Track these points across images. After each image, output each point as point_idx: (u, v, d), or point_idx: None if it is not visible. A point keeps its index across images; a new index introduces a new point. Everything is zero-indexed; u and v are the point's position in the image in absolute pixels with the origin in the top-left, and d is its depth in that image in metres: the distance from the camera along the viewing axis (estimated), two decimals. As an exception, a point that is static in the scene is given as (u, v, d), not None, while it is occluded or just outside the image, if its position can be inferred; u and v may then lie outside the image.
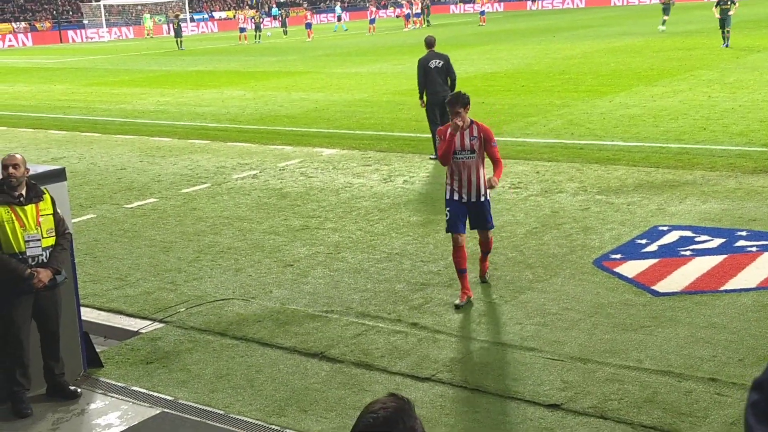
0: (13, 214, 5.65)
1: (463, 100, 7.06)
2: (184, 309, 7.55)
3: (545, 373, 5.94)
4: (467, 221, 7.31)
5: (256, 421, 5.51)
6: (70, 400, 5.91)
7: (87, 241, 9.67)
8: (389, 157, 13.77)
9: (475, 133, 7.13)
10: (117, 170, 13.90)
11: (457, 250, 7.19)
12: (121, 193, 12.28)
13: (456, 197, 7.21)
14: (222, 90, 24.09)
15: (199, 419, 5.59)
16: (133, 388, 6.10)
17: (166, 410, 5.73)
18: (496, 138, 7.30)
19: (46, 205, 5.82)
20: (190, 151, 15.32)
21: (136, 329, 7.24)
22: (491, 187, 7.23)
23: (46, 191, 5.89)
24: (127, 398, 5.96)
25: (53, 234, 5.83)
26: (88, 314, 7.03)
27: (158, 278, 8.42)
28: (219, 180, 12.76)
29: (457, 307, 7.16)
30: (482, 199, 7.23)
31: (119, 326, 7.37)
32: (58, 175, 6.29)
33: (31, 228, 5.70)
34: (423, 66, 13.00)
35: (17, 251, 5.64)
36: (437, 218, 9.82)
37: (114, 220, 10.75)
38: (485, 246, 7.62)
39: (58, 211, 5.93)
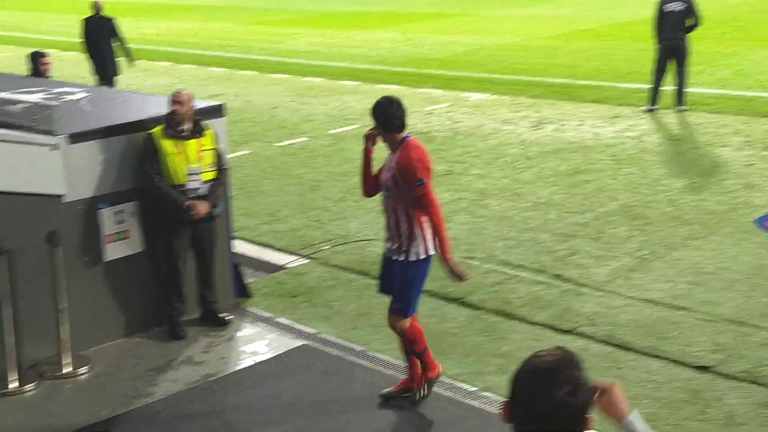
0: (177, 148, 5.93)
1: (375, 112, 4.87)
2: (328, 247, 7.74)
3: (696, 333, 5.72)
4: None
5: (394, 360, 5.63)
6: (220, 327, 6.23)
7: (241, 177, 10.05)
8: (540, 103, 13.43)
9: (394, 163, 4.83)
10: (270, 109, 14.30)
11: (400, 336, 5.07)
12: (273, 131, 12.64)
13: (384, 248, 5.07)
14: (373, 31, 24.18)
15: (339, 354, 5.77)
16: (278, 319, 6.35)
17: (308, 342, 5.95)
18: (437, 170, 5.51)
19: (207, 140, 6.08)
20: (340, 92, 15.53)
21: (282, 264, 7.51)
22: (458, 278, 4.89)
23: (208, 127, 6.14)
24: (272, 328, 6.21)
25: (213, 168, 6.09)
26: (239, 247, 7.34)
27: (305, 216, 8.67)
28: (367, 122, 12.80)
29: (386, 398, 5.10)
30: (396, 256, 4.90)
31: (267, 260, 7.66)
32: (218, 111, 6.53)
33: (193, 162, 5.97)
34: (659, 8, 12.30)
35: (178, 183, 5.94)
36: (589, 168, 9.53)
37: (266, 158, 11.10)
38: (397, 334, 5.03)
39: (219, 146, 6.18)
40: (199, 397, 5.24)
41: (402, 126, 4.85)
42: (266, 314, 6.44)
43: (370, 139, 4.99)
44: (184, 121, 5.96)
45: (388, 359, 5.65)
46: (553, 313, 6.19)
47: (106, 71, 12.98)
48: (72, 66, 17.80)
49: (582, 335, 5.83)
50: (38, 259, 5.49)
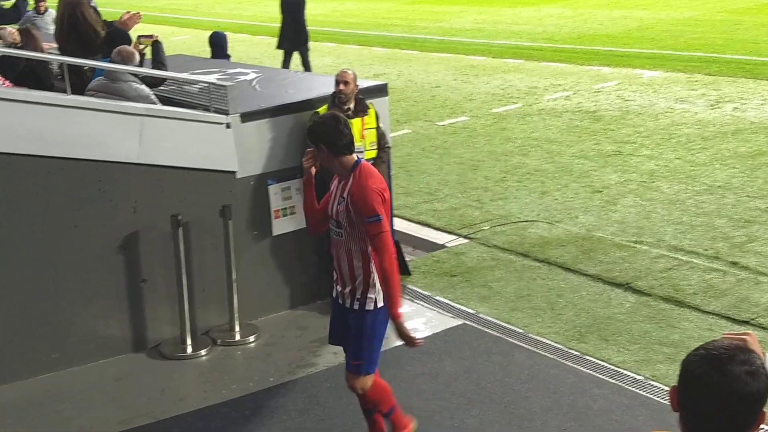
0: (341, 127, 6.04)
1: (318, 132, 4.15)
2: (488, 227, 7.68)
3: None
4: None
5: (555, 344, 5.51)
6: (381, 303, 6.31)
7: (401, 156, 10.14)
8: (719, 81, 12.67)
9: (346, 193, 4.08)
10: (432, 88, 14.31)
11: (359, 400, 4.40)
12: (434, 110, 12.66)
13: (334, 292, 4.33)
14: (540, 7, 23.62)
15: (498, 335, 5.72)
16: (437, 297, 6.37)
17: (467, 322, 5.93)
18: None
19: (370, 119, 6.16)
20: (503, 70, 15.31)
21: (441, 243, 7.52)
22: (406, 342, 4.13)
23: (371, 106, 6.22)
24: (431, 307, 6.24)
25: (375, 147, 6.17)
26: (399, 225, 7.41)
27: (465, 195, 8.63)
28: (530, 101, 12.64)
29: None
30: (349, 303, 4.17)
31: (427, 238, 7.70)
32: (381, 91, 6.60)
33: (356, 140, 6.06)
34: None
35: (342, 161, 6.04)
36: (768, 151, 8.90)
37: (427, 137, 11.14)
38: (357, 395, 4.33)
39: (381, 125, 6.25)
40: (359, 370, 5.35)
41: (351, 146, 4.10)
42: (425, 292, 6.47)
43: (307, 169, 4.18)
44: (349, 100, 6.06)
45: (549, 343, 5.54)
46: (729, 302, 5.84)
47: (292, 45, 13.94)
48: (246, 47, 18.58)
49: (760, 327, 5.47)
50: (212, 231, 5.77)
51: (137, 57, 5.98)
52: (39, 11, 11.97)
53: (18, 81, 5.73)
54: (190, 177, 5.71)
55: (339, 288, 4.19)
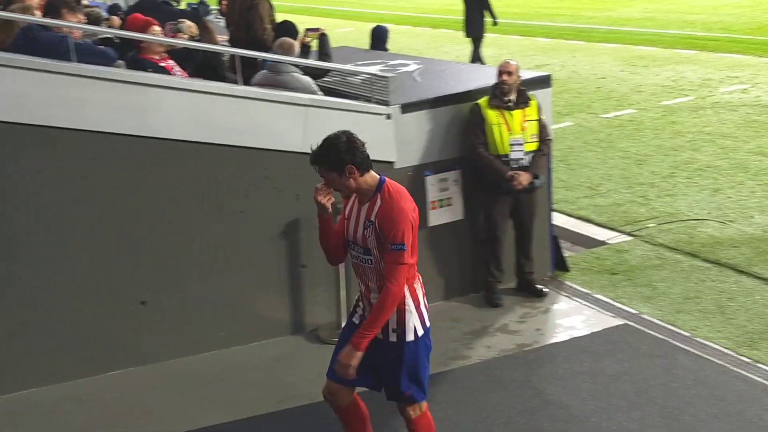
0: (501, 118, 5.97)
1: (314, 157, 3.70)
2: (654, 225, 7.35)
3: None
4: (370, 370, 3.83)
5: (724, 350, 5.20)
6: (536, 298, 6.20)
7: (562, 149, 9.89)
8: None
9: (373, 217, 3.68)
10: (597, 79, 13.88)
11: (335, 410, 4.03)
12: (599, 102, 12.26)
13: (355, 317, 3.96)
14: (715, -5, 22.38)
15: (662, 337, 5.46)
16: (597, 295, 6.16)
17: (629, 322, 5.70)
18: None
19: (531, 111, 6.04)
20: (675, 61, 14.61)
21: (603, 239, 7.27)
22: (340, 367, 3.71)
23: (532, 97, 6.09)
24: (590, 305, 6.05)
25: (536, 139, 6.04)
26: (558, 219, 7.24)
27: (629, 191, 8.30)
28: (703, 93, 11.98)
29: None
30: (390, 337, 3.76)
31: (587, 234, 7.47)
32: (544, 82, 6.45)
33: (517, 132, 5.98)
34: None
35: (502, 153, 5.97)
36: None
37: (590, 129, 10.81)
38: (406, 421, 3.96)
39: (542, 117, 6.11)
40: (513, 365, 5.27)
41: (367, 162, 3.66)
42: (584, 290, 6.28)
43: (323, 206, 3.76)
44: (511, 91, 5.96)
45: (718, 348, 5.24)
46: None
47: (471, 32, 14.32)
48: (407, 39, 18.74)
49: None
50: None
51: (297, 48, 6.14)
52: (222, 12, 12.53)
53: (196, 73, 6.03)
54: (351, 166, 5.80)
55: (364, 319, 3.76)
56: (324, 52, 6.57)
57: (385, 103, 5.86)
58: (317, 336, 5.74)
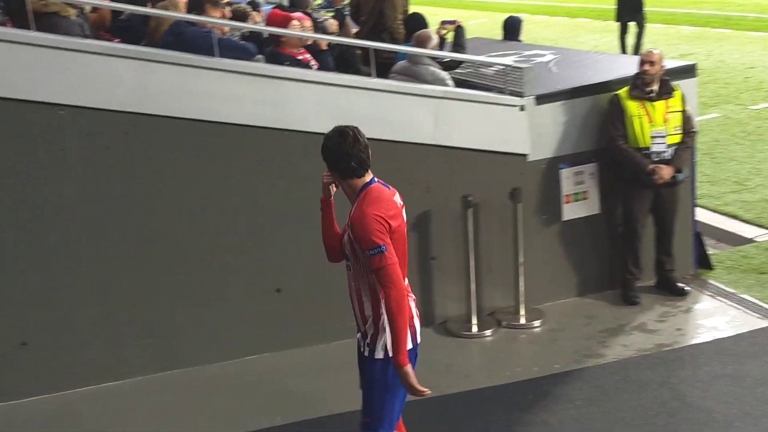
0: (643, 110, 5.75)
1: (324, 152, 3.47)
2: (808, 222, 6.90)
3: None
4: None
5: None
6: (677, 296, 5.94)
7: (707, 141, 9.43)
8: None
9: (348, 222, 3.48)
10: (745, 69, 13.16)
11: None
12: (747, 93, 11.63)
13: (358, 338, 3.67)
14: None
15: (815, 343, 5.12)
16: (743, 295, 5.84)
17: (777, 325, 5.38)
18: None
19: (675, 102, 5.78)
20: (834, 48, 13.66)
21: (750, 237, 6.91)
22: (411, 391, 3.38)
23: (676, 87, 5.83)
24: (735, 305, 5.75)
25: (679, 131, 5.78)
26: (701, 215, 6.91)
27: (781, 186, 7.83)
28: None
29: None
30: (362, 348, 3.57)
31: (733, 231, 7.12)
32: (688, 72, 6.17)
33: (658, 124, 5.74)
34: None
35: (642, 146, 5.75)
36: None
37: (737, 121, 10.26)
38: None
39: (687, 108, 5.84)
40: (651, 365, 5.08)
41: (362, 168, 3.42)
42: (728, 289, 5.97)
43: (325, 186, 3.61)
44: (653, 81, 5.74)
45: None
46: None
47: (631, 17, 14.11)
48: (542, 29, 18.39)
49: None
50: (501, 214, 5.78)
51: (433, 41, 6.13)
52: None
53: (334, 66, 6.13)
54: (482, 159, 5.74)
55: (357, 332, 3.61)
56: (458, 44, 6.53)
57: (519, 95, 5.76)
58: (446, 328, 5.72)
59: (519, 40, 9.65)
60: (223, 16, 5.69)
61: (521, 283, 5.75)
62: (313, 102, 5.34)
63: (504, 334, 5.66)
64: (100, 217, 5.04)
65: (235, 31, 6.13)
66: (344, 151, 3.38)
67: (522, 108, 5.75)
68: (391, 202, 3.44)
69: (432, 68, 5.89)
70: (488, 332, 5.66)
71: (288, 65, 5.54)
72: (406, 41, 6.32)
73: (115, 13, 5.92)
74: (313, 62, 5.88)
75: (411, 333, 3.42)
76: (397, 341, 3.31)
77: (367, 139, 5.42)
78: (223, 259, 5.35)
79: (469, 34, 7.40)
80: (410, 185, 5.62)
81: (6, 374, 4.92)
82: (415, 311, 3.52)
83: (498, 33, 9.27)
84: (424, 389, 3.34)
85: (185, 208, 5.24)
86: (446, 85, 5.82)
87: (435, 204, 5.68)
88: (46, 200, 4.92)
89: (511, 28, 9.69)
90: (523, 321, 5.76)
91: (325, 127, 5.36)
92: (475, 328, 5.67)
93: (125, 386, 5.13)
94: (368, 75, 5.68)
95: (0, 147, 4.76)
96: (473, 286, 5.66)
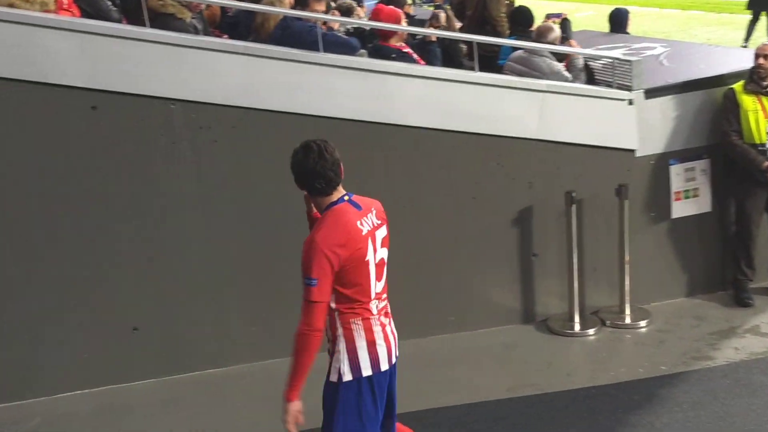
0: (758, 104, 5.53)
1: (291, 164, 3.23)
2: None
3: None
4: None
5: None
6: (795, 300, 5.69)
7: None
8: None
9: None
10: None
11: None
12: None
13: None
14: None
15: None
16: None
17: None
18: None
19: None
20: None
21: None
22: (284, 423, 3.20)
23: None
24: None
25: (798, 127, 5.52)
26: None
27: None
28: None
29: None
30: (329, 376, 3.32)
31: None
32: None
33: (770, 122, 5.50)
34: None
35: (757, 142, 5.53)
36: None
37: None
38: None
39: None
40: (764, 369, 4.88)
41: (328, 186, 3.19)
42: None
43: (306, 200, 3.41)
44: (768, 76, 5.50)
45: None
46: None
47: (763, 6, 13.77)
48: (652, 21, 17.84)
49: None
50: (606, 210, 5.64)
51: (553, 33, 6.03)
52: None
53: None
54: (587, 154, 5.63)
55: None
56: (564, 37, 6.41)
57: (628, 88, 5.62)
58: (548, 326, 5.64)
59: (626, 33, 9.40)
60: (327, 12, 5.75)
61: (626, 282, 5.61)
62: (416, 96, 5.35)
63: (608, 334, 5.54)
64: (207, 209, 5.18)
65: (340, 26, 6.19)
66: (307, 168, 3.14)
67: (630, 102, 5.61)
68: (350, 228, 3.15)
69: (549, 60, 5.81)
70: (591, 331, 5.55)
71: (394, 59, 5.55)
72: (510, 35, 6.25)
73: (224, 9, 6.08)
74: (415, 56, 5.88)
75: (372, 359, 3.22)
76: (290, 376, 3.14)
77: (469, 133, 5.46)
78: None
79: (576, 27, 7.26)
80: (512, 180, 5.57)
81: (119, 357, 5.13)
82: (390, 335, 3.31)
83: (605, 26, 9.05)
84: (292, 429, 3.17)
85: (289, 201, 5.32)
86: (563, 77, 5.72)
87: (537, 200, 5.60)
88: (159, 193, 5.08)
89: (618, 21, 9.45)
90: (628, 321, 5.62)
91: (428, 122, 5.45)
92: (577, 327, 5.57)
93: (230, 372, 5.27)
94: (471, 69, 5.64)
95: (117, 141, 4.96)
96: (576, 284, 5.56)
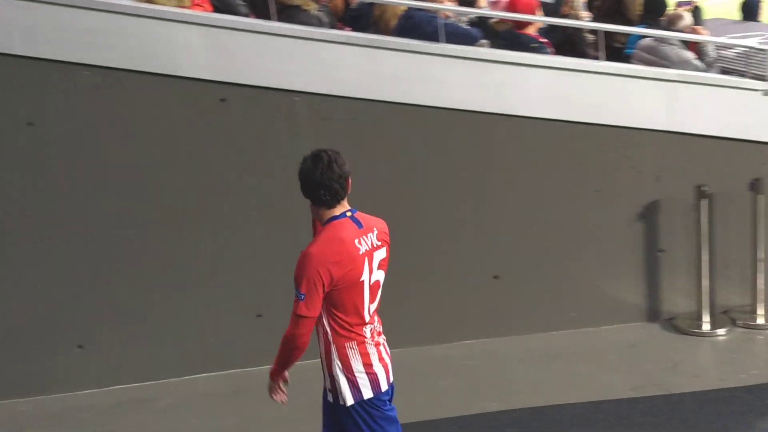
0: None
1: (298, 172, 3.11)
2: None
3: None
4: None
5: None
6: None
7: None
8: None
9: None
10: None
11: None
12: None
13: None
14: None
15: None
16: None
17: None
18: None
19: None
20: None
21: None
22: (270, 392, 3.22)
23: None
24: None
25: None
26: None
27: None
28: None
29: None
30: (327, 396, 3.19)
31: None
32: None
33: None
34: None
35: None
36: None
37: None
38: None
39: None
40: None
41: (333, 199, 3.07)
42: None
43: (312, 209, 3.23)
44: None
45: None
46: None
47: None
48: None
49: None
50: (739, 205, 5.40)
51: (683, 21, 5.80)
52: None
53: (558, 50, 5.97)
54: (719, 146, 5.40)
55: None
56: (696, 25, 6.14)
57: (763, 78, 5.36)
58: (674, 325, 5.45)
59: (758, 21, 8.97)
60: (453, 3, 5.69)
61: (759, 281, 5.36)
62: (539, 87, 5.26)
63: (739, 334, 5.31)
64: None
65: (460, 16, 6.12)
66: (314, 177, 3.04)
67: (766, 92, 5.35)
68: (346, 245, 3.04)
69: (678, 49, 5.58)
70: (721, 331, 5.33)
71: (534, 47, 5.42)
72: (640, 23, 6.04)
73: (348, 2, 6.13)
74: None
75: (371, 380, 3.12)
76: (276, 360, 3.15)
77: (593, 125, 5.31)
78: (443, 244, 5.39)
79: (706, 14, 6.97)
80: (638, 173, 5.40)
81: (241, 344, 5.24)
82: (385, 356, 3.19)
83: (736, 14, 8.66)
84: (278, 398, 3.22)
85: (409, 190, 5.34)
86: (692, 67, 5.50)
87: (665, 194, 5.41)
88: (281, 184, 5.13)
89: (750, 9, 9.03)
90: (761, 321, 5.38)
91: (553, 113, 5.33)
92: (706, 326, 5.36)
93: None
94: (595, 59, 5.50)
95: (244, 133, 5.09)
96: (706, 282, 5.34)
